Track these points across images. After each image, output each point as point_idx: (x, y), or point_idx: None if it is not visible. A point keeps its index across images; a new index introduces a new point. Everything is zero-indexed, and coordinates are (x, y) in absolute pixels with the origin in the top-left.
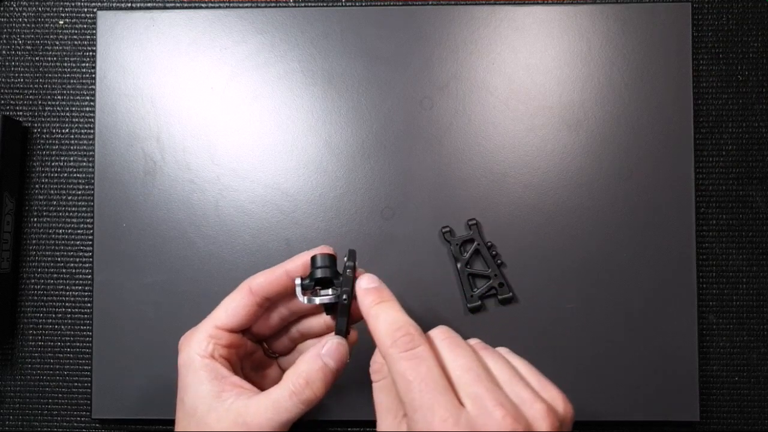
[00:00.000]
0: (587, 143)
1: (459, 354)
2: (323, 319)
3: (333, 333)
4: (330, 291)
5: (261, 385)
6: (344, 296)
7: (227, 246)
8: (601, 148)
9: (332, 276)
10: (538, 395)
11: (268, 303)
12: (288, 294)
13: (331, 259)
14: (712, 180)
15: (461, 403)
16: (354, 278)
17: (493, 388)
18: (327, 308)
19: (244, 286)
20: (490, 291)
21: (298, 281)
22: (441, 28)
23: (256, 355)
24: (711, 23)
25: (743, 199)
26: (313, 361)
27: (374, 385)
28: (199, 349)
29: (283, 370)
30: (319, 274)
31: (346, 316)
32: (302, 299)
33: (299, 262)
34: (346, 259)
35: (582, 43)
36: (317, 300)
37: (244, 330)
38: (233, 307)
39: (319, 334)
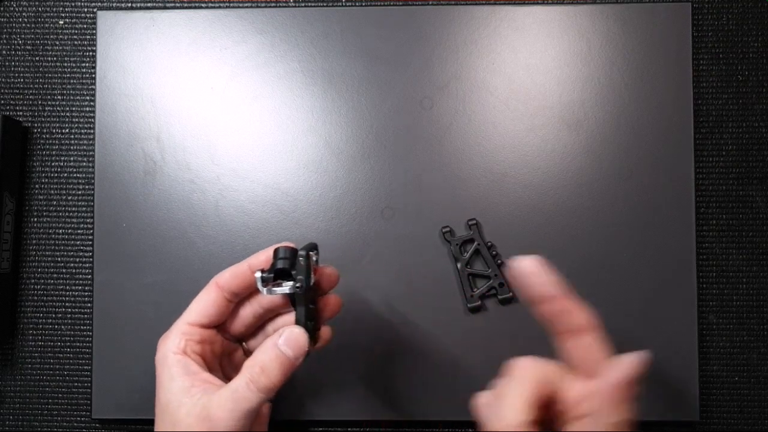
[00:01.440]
0: (587, 143)
1: None
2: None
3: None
4: (291, 283)
5: None
6: (298, 284)
7: (227, 246)
8: (601, 148)
9: (290, 267)
10: None
11: (236, 298)
12: (255, 289)
13: (292, 251)
14: (712, 180)
15: None
16: (309, 266)
17: None
18: (292, 301)
19: (212, 282)
20: (490, 291)
21: (258, 274)
22: (441, 28)
23: (236, 355)
24: (711, 23)
25: (743, 199)
26: (270, 350)
27: None
28: (172, 346)
29: None
30: (279, 264)
31: (303, 306)
32: (263, 291)
33: (263, 257)
34: (301, 248)
35: (582, 43)
36: (277, 290)
37: (217, 326)
38: (203, 303)
39: None
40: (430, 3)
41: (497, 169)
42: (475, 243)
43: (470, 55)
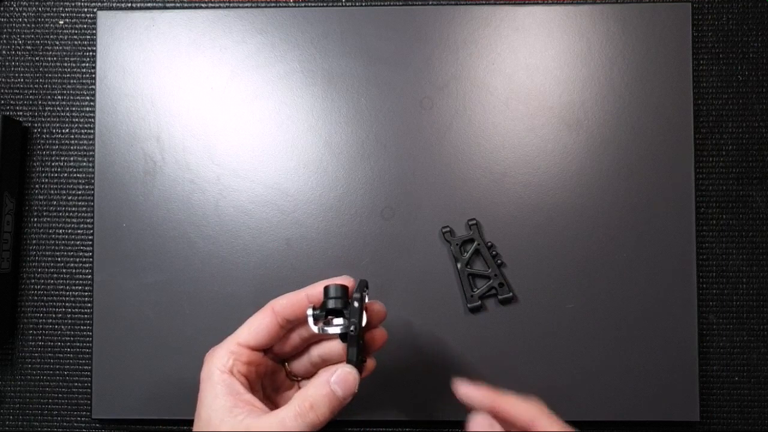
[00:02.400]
0: (587, 143)
1: None
2: (343, 345)
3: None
4: (341, 321)
5: (280, 406)
6: (352, 327)
7: (227, 246)
8: (601, 148)
9: (342, 307)
10: None
11: (290, 325)
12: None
13: (344, 289)
14: (712, 180)
15: None
16: (362, 308)
17: None
18: (342, 337)
19: (268, 306)
20: (490, 291)
21: (309, 311)
22: (441, 28)
23: (278, 376)
24: (711, 23)
25: (743, 199)
26: (321, 387)
27: None
28: (219, 364)
29: None
30: (330, 305)
31: (355, 347)
32: (314, 329)
33: (320, 288)
34: (353, 287)
35: (582, 43)
36: (329, 330)
37: (266, 349)
38: (256, 326)
39: (339, 360)
40: (430, 3)
41: (497, 169)
42: (475, 243)
43: (470, 55)
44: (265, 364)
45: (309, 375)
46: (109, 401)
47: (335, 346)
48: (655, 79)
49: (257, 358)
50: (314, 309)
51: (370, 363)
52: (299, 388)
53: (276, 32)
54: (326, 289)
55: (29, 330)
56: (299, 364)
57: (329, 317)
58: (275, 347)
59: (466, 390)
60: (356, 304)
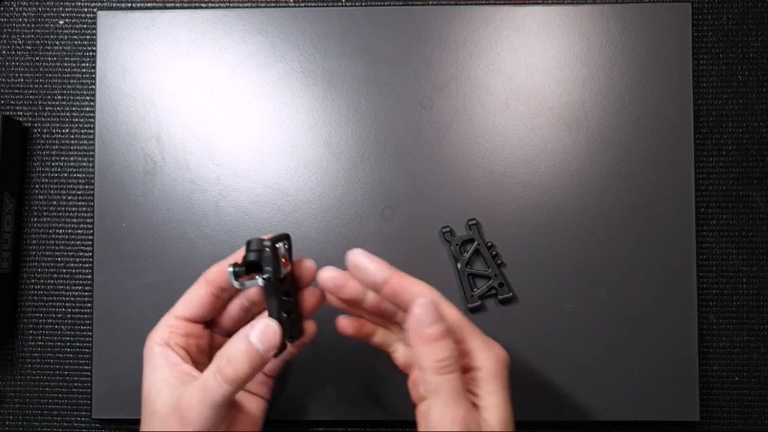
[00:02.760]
0: (587, 143)
1: None
2: None
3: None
4: (264, 275)
5: None
6: (265, 275)
7: (227, 246)
8: (601, 148)
9: (259, 260)
10: None
11: (225, 293)
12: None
13: (263, 242)
14: (712, 180)
15: None
16: (277, 257)
17: None
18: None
19: (201, 278)
20: (490, 291)
21: (230, 268)
22: (441, 28)
23: None
24: (711, 23)
25: (743, 199)
26: (239, 342)
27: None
28: (157, 338)
29: None
30: (250, 257)
31: (274, 298)
32: (235, 284)
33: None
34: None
35: (582, 43)
36: (248, 284)
37: (206, 321)
38: (190, 298)
39: None
40: (430, 3)
41: (497, 169)
42: (475, 243)
43: (470, 55)
44: (209, 338)
45: None
46: (109, 401)
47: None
48: (655, 79)
49: (197, 330)
50: (235, 266)
51: (310, 326)
52: None
53: (276, 32)
54: (247, 243)
55: (29, 330)
56: None
57: (251, 273)
58: (218, 321)
59: (362, 259)
60: (267, 251)
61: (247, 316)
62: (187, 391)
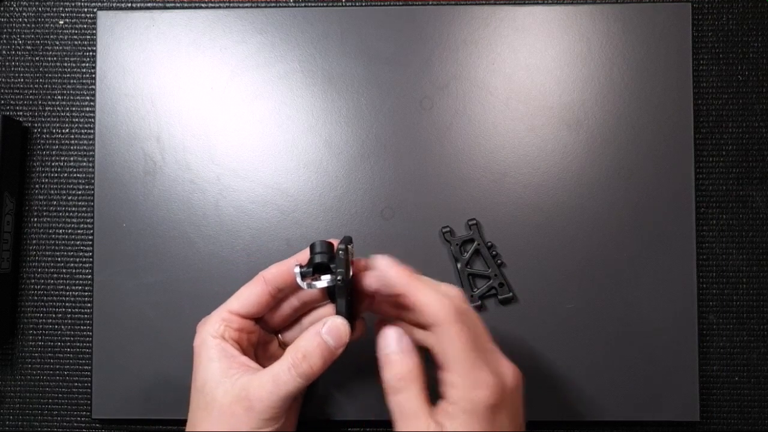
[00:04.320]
0: (587, 143)
1: None
2: (333, 308)
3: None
4: (329, 276)
5: None
6: (339, 278)
7: (227, 246)
8: (601, 148)
9: (329, 261)
10: None
11: (280, 293)
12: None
13: (329, 245)
14: (712, 180)
15: None
16: (348, 260)
17: None
18: (330, 295)
19: (259, 276)
20: (490, 291)
21: (296, 269)
22: (441, 28)
23: (271, 346)
24: (711, 23)
25: (743, 199)
26: (312, 338)
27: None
28: (212, 330)
29: None
30: (317, 259)
31: (343, 298)
32: (302, 285)
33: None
34: (338, 242)
35: (582, 43)
36: (317, 284)
37: (257, 318)
38: (247, 295)
39: None
40: (430, 3)
41: (497, 169)
42: (475, 243)
43: (470, 55)
44: (258, 334)
45: None
46: (109, 401)
47: (325, 312)
48: (655, 79)
49: (248, 326)
50: (301, 267)
51: (360, 325)
52: None
53: (276, 32)
54: (312, 245)
55: (29, 330)
56: (291, 334)
57: (316, 274)
58: (267, 318)
59: (386, 263)
60: (341, 254)
61: (295, 314)
62: (256, 382)
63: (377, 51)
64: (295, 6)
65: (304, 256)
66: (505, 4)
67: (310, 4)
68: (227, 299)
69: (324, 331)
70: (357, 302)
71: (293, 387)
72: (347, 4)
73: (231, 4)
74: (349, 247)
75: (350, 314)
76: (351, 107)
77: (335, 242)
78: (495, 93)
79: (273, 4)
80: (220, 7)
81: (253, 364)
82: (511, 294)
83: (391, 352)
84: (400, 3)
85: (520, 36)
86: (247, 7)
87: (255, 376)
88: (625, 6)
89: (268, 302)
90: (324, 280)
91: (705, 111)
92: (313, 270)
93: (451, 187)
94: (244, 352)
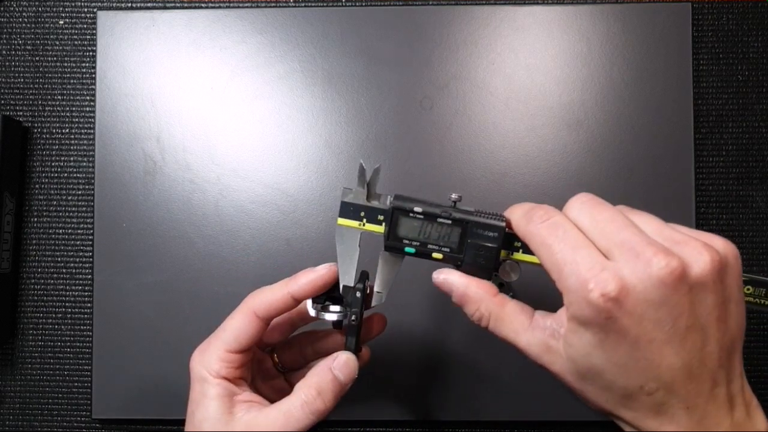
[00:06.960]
0: (587, 143)
1: (600, 210)
2: (338, 339)
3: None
4: (339, 308)
5: (268, 396)
6: (353, 317)
7: (227, 246)
8: (601, 148)
9: (344, 295)
10: (691, 236)
11: (272, 320)
12: (293, 307)
13: (362, 275)
14: (712, 180)
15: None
16: (363, 299)
17: (639, 233)
18: (335, 323)
19: (249, 311)
20: None
21: (309, 301)
22: (441, 28)
23: (265, 364)
24: (711, 23)
25: (743, 199)
26: (324, 374)
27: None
28: (210, 369)
29: (290, 384)
30: (335, 292)
31: (354, 336)
32: (312, 312)
33: (303, 282)
34: (358, 280)
35: (582, 43)
36: (326, 316)
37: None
38: (241, 332)
39: (332, 351)
40: (430, 3)
41: (497, 169)
42: None
43: (470, 55)
44: (253, 351)
45: (297, 366)
46: (109, 401)
47: (330, 339)
48: (655, 79)
49: (247, 358)
50: (315, 298)
51: (365, 353)
52: (285, 378)
53: (276, 32)
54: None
55: (29, 330)
56: (288, 355)
57: (327, 302)
58: (264, 336)
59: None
60: (358, 294)
61: (292, 329)
62: (264, 420)
63: (377, 51)
64: (295, 6)
65: (297, 286)
66: (505, 4)
67: (310, 4)
68: (219, 329)
69: (335, 366)
70: (365, 331)
71: (305, 425)
72: (347, 4)
73: (231, 4)
74: (366, 284)
75: (357, 347)
76: (351, 107)
77: (333, 271)
78: (495, 93)
79: (273, 4)
80: (220, 7)
81: (257, 398)
82: (511, 294)
83: (466, 290)
84: (400, 3)
85: (520, 36)
86: (247, 7)
87: (261, 413)
88: (625, 6)
89: (263, 330)
90: (334, 314)
91: (705, 111)
92: (324, 300)
93: (451, 187)
94: (246, 382)
